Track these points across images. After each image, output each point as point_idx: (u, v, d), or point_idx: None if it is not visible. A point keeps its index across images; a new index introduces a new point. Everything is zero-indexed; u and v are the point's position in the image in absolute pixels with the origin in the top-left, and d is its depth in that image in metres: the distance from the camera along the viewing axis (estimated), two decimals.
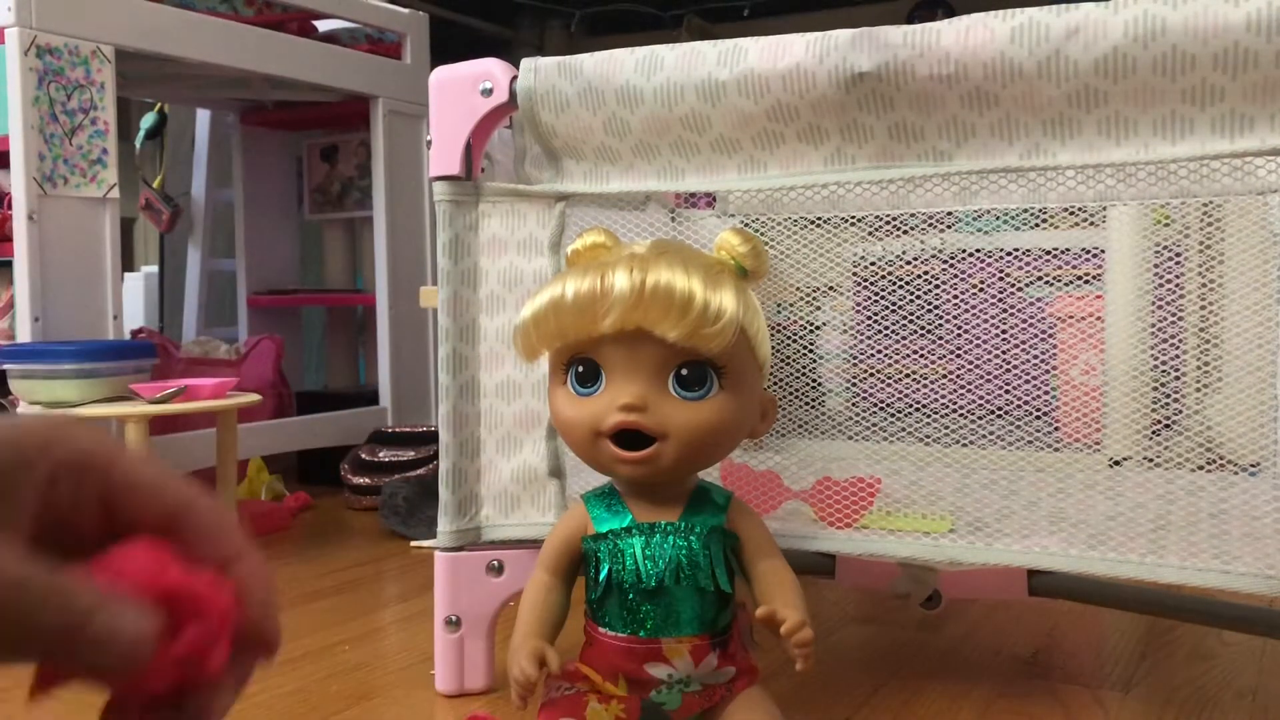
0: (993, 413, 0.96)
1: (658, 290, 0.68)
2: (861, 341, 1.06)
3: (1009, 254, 1.02)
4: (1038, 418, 0.95)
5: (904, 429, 1.01)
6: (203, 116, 2.28)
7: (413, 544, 1.62)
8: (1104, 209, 0.97)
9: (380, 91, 1.95)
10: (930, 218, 1.02)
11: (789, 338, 1.04)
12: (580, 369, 0.73)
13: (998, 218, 1.00)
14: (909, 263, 1.06)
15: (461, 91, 0.91)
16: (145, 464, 0.32)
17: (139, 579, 0.30)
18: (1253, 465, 0.89)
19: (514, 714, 0.81)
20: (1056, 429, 0.99)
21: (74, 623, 0.28)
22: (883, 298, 1.03)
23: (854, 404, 1.08)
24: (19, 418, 0.31)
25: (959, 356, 0.97)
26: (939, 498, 0.94)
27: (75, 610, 0.29)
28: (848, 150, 0.80)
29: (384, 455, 1.90)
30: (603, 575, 0.73)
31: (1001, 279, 1.04)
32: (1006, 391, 0.94)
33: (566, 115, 0.87)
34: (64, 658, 0.29)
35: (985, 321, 0.96)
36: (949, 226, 1.05)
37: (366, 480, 1.89)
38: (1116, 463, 0.98)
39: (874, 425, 1.03)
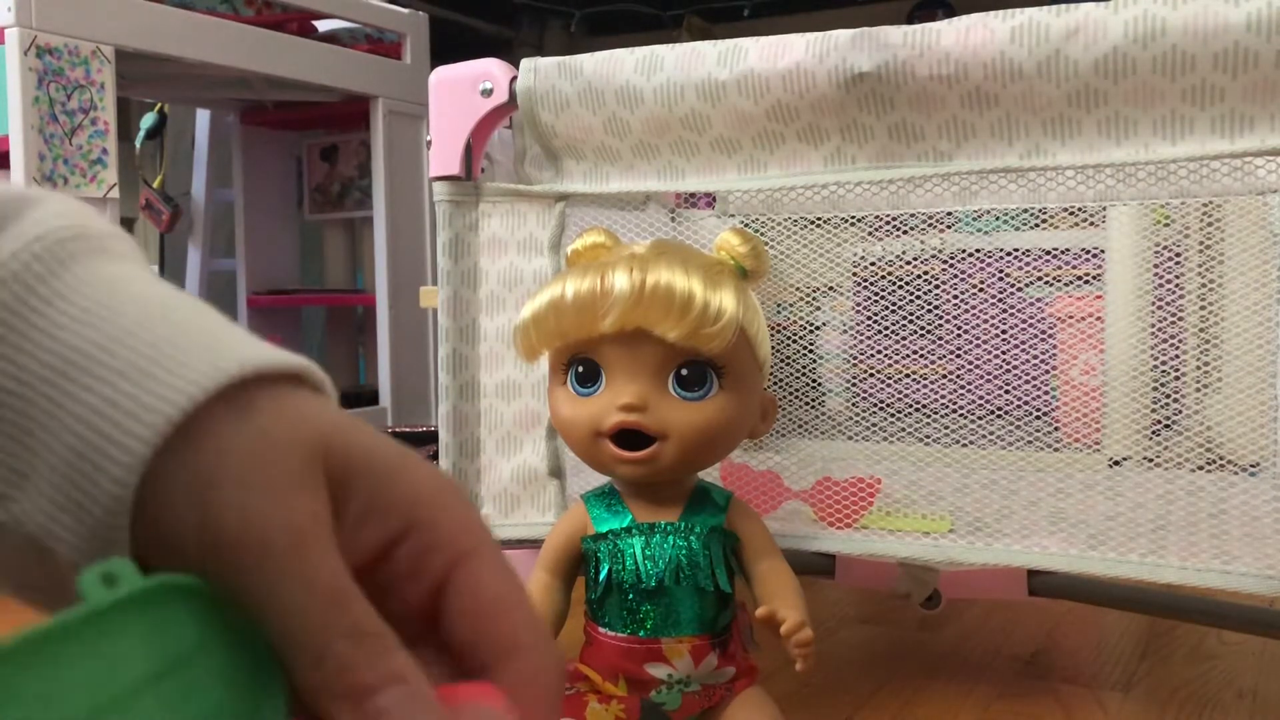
0: (993, 413, 0.96)
1: (658, 290, 0.68)
2: (861, 341, 1.06)
3: (1009, 254, 1.02)
4: (1038, 418, 0.95)
5: (904, 429, 1.01)
6: (203, 116, 2.28)
7: None
8: (1104, 209, 0.97)
9: (380, 91, 1.96)
10: (930, 218, 1.02)
11: (789, 338, 1.04)
12: (580, 369, 0.73)
13: (998, 218, 1.00)
14: (909, 263, 1.06)
15: (461, 91, 0.91)
16: (500, 574, 0.27)
17: None
18: (1253, 465, 0.89)
19: None
20: (1056, 429, 0.99)
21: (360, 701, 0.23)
22: (883, 298, 1.03)
23: (854, 404, 1.08)
24: (407, 461, 0.26)
25: (959, 356, 0.97)
26: (939, 498, 0.94)
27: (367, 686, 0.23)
28: (848, 150, 0.80)
29: None
30: (602, 575, 0.73)
31: (1001, 279, 1.04)
32: (1006, 391, 0.94)
33: (566, 115, 0.87)
34: None
35: (985, 321, 0.96)
36: (949, 226, 1.05)
37: None
38: (1116, 463, 0.98)
39: (874, 425, 1.03)
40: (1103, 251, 1.04)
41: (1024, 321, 0.96)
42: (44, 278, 0.25)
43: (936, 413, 0.99)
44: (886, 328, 1.02)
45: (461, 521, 0.27)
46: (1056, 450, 0.98)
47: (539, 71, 0.87)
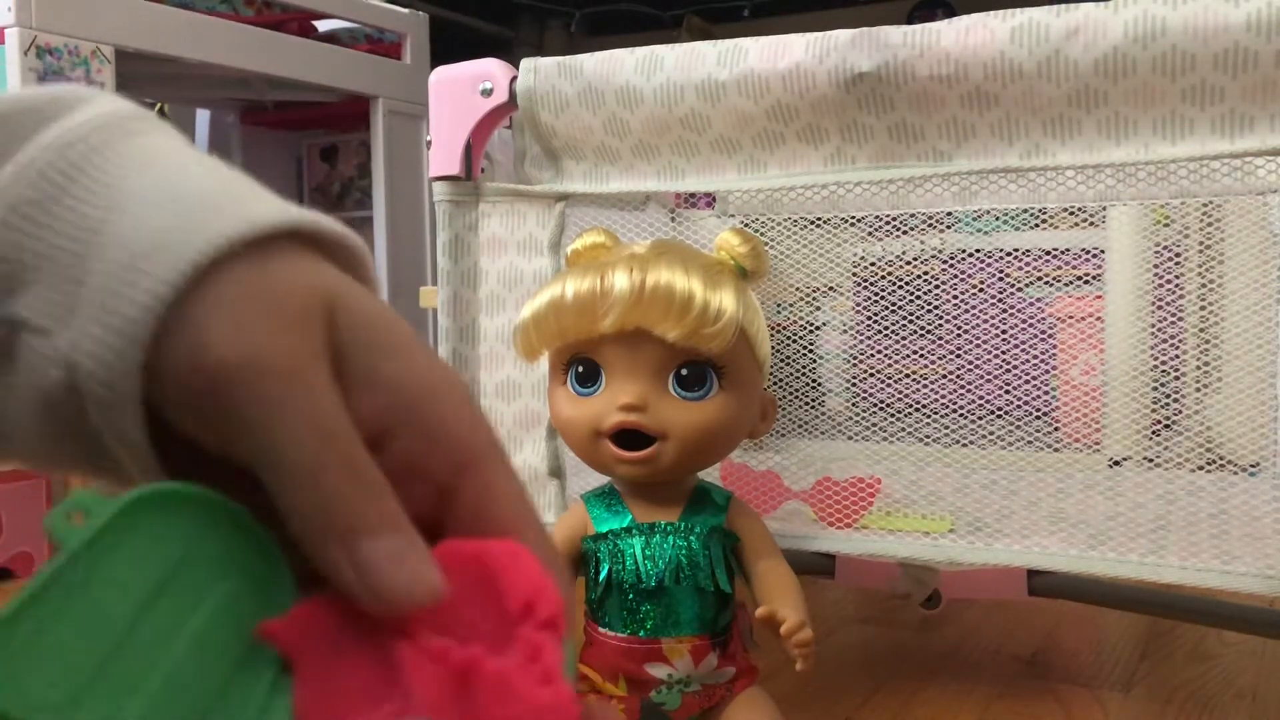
0: (993, 413, 0.96)
1: (658, 290, 0.68)
2: (861, 341, 1.06)
3: (1009, 254, 1.02)
4: (1038, 418, 0.95)
5: (904, 429, 1.01)
6: (203, 116, 2.28)
7: None
8: (1104, 209, 0.97)
9: (380, 91, 1.95)
10: (930, 218, 1.02)
11: (789, 338, 1.04)
12: (580, 369, 0.73)
13: (998, 218, 1.00)
14: (909, 263, 1.06)
15: (461, 91, 0.91)
16: (510, 483, 0.26)
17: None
18: (1253, 465, 0.89)
19: None
20: (1056, 429, 0.99)
21: (342, 525, 0.23)
22: (883, 298, 1.03)
23: (854, 404, 1.08)
24: (413, 352, 0.26)
25: (959, 356, 0.97)
26: (939, 498, 0.94)
27: (358, 513, 0.23)
28: (848, 150, 0.80)
29: None
30: (602, 575, 0.73)
31: (1001, 279, 1.04)
32: (1006, 391, 0.94)
33: (566, 115, 0.87)
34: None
35: (985, 322, 0.96)
36: (949, 226, 1.05)
37: None
38: (1116, 463, 0.98)
39: (874, 425, 1.03)
40: (1103, 251, 1.04)
41: (1024, 321, 0.96)
42: (110, 143, 0.26)
43: (936, 413, 0.99)
44: (886, 328, 1.02)
45: (468, 420, 0.25)
46: (1056, 450, 0.98)
47: (539, 71, 0.87)
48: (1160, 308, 0.96)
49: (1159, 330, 0.94)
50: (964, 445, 0.96)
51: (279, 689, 0.21)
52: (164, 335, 0.23)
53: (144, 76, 1.82)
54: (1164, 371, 0.93)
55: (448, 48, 1.83)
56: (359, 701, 0.22)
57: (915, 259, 1.05)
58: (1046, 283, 1.05)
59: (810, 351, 1.07)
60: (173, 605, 0.21)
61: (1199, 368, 0.92)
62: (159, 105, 2.18)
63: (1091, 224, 0.98)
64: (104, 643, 0.19)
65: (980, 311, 0.97)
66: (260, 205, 0.25)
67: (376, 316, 0.25)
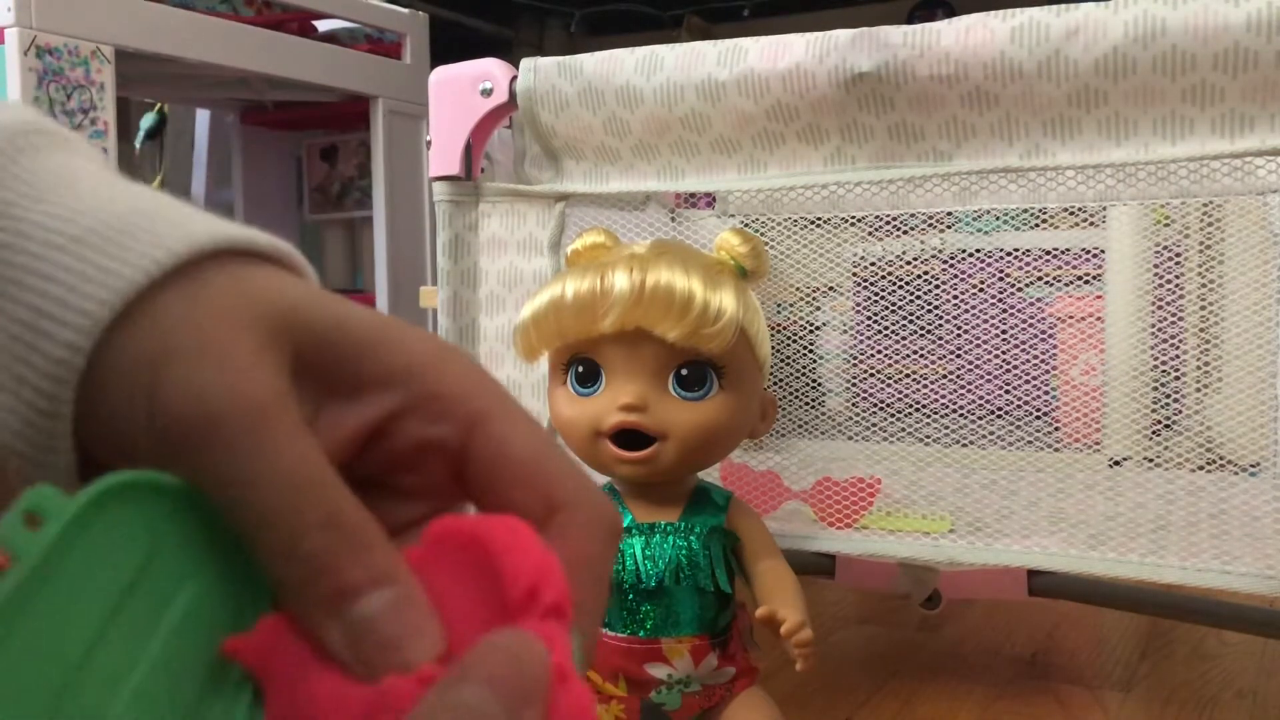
0: (993, 413, 0.96)
1: (658, 290, 0.68)
2: (861, 341, 1.06)
3: (1009, 254, 1.02)
4: (1038, 418, 0.95)
5: (904, 429, 1.01)
6: (203, 116, 2.28)
7: None
8: (1104, 209, 0.97)
9: (380, 91, 1.95)
10: (930, 218, 1.02)
11: (789, 338, 1.04)
12: (580, 369, 0.73)
13: (998, 218, 1.00)
14: (909, 263, 1.06)
15: (461, 91, 0.91)
16: (523, 428, 0.23)
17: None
18: (1253, 465, 0.89)
19: None
20: (1056, 429, 0.99)
21: (313, 577, 0.20)
22: (883, 298, 1.03)
23: (854, 404, 1.08)
24: (395, 329, 0.24)
25: (959, 356, 0.97)
26: (939, 498, 0.94)
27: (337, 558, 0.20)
28: (848, 150, 0.80)
29: None
30: None
31: (1001, 279, 1.04)
32: (1006, 391, 0.94)
33: (566, 115, 0.87)
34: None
35: (985, 321, 0.96)
36: (949, 226, 1.05)
37: None
38: (1116, 463, 0.98)
39: (874, 425, 1.03)
40: (1103, 251, 1.04)
41: (1024, 321, 0.96)
42: (2, 164, 0.23)
43: (936, 413, 0.99)
44: (886, 328, 1.02)
45: (468, 382, 0.23)
46: (1057, 450, 0.98)
47: (539, 71, 0.87)
48: (1160, 308, 0.96)
49: (1159, 330, 0.94)
50: (964, 445, 0.96)
51: (254, 714, 0.20)
52: (99, 378, 0.21)
53: (144, 76, 1.82)
54: (1164, 371, 0.93)
55: (448, 48, 1.83)
56: None
57: (915, 259, 1.05)
58: (1046, 283, 1.05)
59: (810, 351, 1.07)
60: (137, 616, 0.19)
61: (1199, 368, 0.92)
62: (159, 105, 2.18)
63: (1091, 224, 0.98)
64: (61, 671, 0.17)
65: (980, 311, 0.97)
66: (188, 224, 0.23)
67: (343, 315, 0.23)
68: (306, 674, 0.20)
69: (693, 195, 1.14)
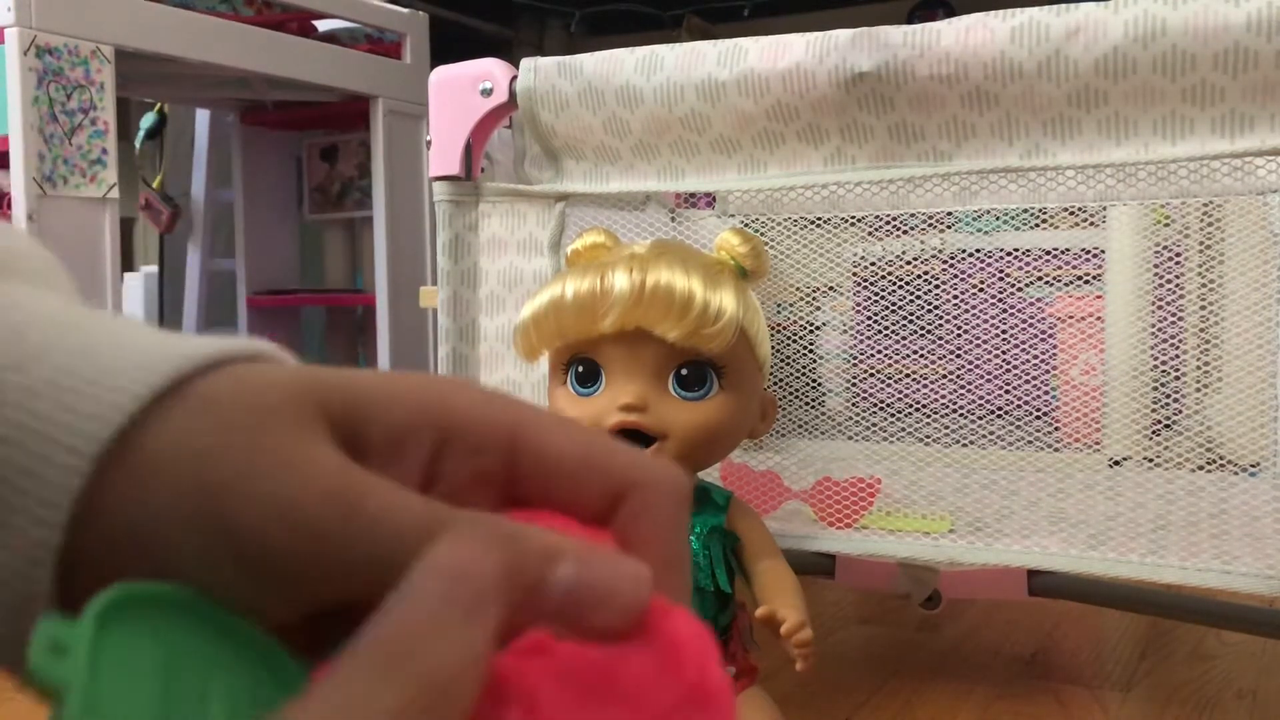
0: (993, 413, 0.96)
1: (658, 290, 0.68)
2: (861, 341, 1.06)
3: (1009, 254, 1.02)
4: (1038, 418, 0.95)
5: (904, 429, 1.01)
6: (202, 116, 2.28)
7: None
8: (1104, 209, 0.97)
9: (380, 91, 1.96)
10: (930, 218, 1.02)
11: (789, 338, 1.04)
12: (580, 369, 0.73)
13: (998, 218, 1.00)
14: (909, 263, 1.06)
15: (461, 91, 0.91)
16: (567, 429, 0.23)
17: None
18: (1253, 465, 0.89)
19: None
20: (1056, 429, 0.99)
21: (393, 552, 0.19)
22: (883, 298, 1.03)
23: (854, 404, 1.08)
24: (401, 378, 0.23)
25: (959, 356, 0.97)
26: (939, 498, 0.94)
27: (406, 537, 0.20)
28: (848, 150, 0.80)
29: None
30: None
31: (1001, 279, 1.04)
32: (1006, 391, 0.94)
33: (566, 115, 0.87)
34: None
35: (985, 321, 0.96)
36: (949, 226, 1.05)
37: None
38: (1116, 463, 0.98)
39: (874, 425, 1.03)
40: (1103, 251, 1.04)
41: (1024, 321, 0.96)
42: None
43: (936, 413, 0.99)
44: (886, 328, 1.03)
45: (488, 406, 0.23)
46: (1057, 450, 0.98)
47: (539, 71, 0.87)
48: (1160, 308, 0.96)
49: (1159, 330, 0.94)
50: (964, 445, 0.96)
51: None
52: (91, 519, 0.20)
53: (144, 76, 1.82)
54: (1164, 371, 0.93)
55: (448, 48, 1.84)
56: None
57: (915, 259, 1.05)
58: (1046, 283, 1.05)
59: (810, 351, 1.07)
60: (178, 703, 0.19)
61: (1199, 368, 0.92)
62: (159, 105, 2.18)
63: (1091, 224, 0.98)
64: None
65: (980, 311, 0.97)
66: (166, 342, 0.22)
67: (354, 379, 0.23)
68: None
69: (693, 195, 1.14)
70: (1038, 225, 0.95)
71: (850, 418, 1.05)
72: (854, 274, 1.08)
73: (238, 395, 0.21)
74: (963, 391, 0.97)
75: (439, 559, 0.19)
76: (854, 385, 1.09)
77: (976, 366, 0.95)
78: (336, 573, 0.20)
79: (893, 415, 1.02)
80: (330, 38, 1.97)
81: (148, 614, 0.19)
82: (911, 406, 1.02)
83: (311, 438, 0.21)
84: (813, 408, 1.02)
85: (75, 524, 0.20)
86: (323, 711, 0.17)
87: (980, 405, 0.96)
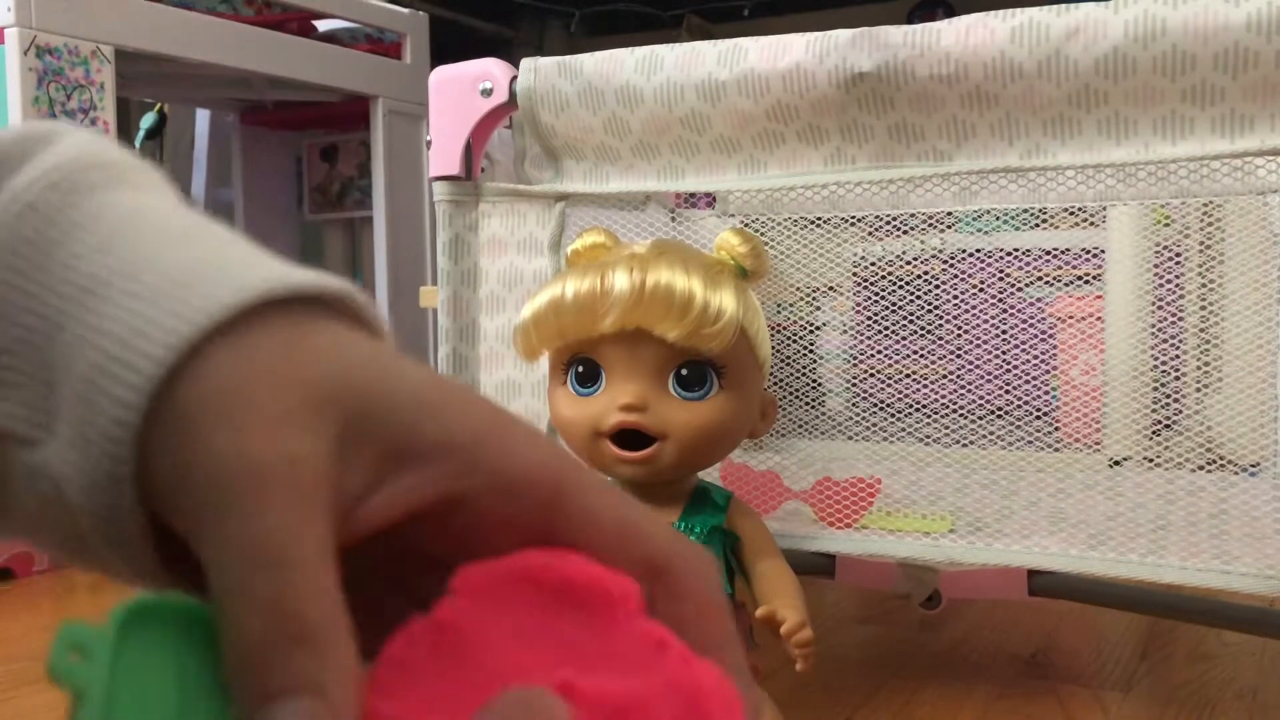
0: (993, 413, 0.96)
1: (658, 290, 0.68)
2: (861, 341, 1.06)
3: (1009, 254, 1.02)
4: (1038, 418, 0.95)
5: (904, 429, 1.01)
6: (202, 116, 2.28)
7: None
8: (1104, 209, 0.97)
9: (380, 91, 1.96)
10: (930, 218, 1.02)
11: (789, 338, 1.04)
12: (580, 369, 0.73)
13: (998, 218, 1.00)
14: (909, 263, 1.06)
15: (461, 91, 0.91)
16: (608, 496, 0.23)
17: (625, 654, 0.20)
18: (1253, 465, 0.89)
19: None
20: (1056, 429, 0.99)
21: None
22: (883, 298, 1.03)
23: (854, 404, 1.08)
24: (446, 389, 0.23)
25: (959, 356, 0.97)
26: (939, 498, 0.94)
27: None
28: (848, 150, 0.80)
29: None
30: None
31: (1001, 279, 1.04)
32: (1006, 391, 0.94)
33: (566, 115, 0.87)
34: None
35: (985, 321, 0.96)
36: (949, 226, 1.05)
37: None
38: (1116, 463, 0.98)
39: (874, 425, 1.03)
40: (1103, 251, 1.04)
41: (1024, 321, 0.96)
42: (61, 208, 0.23)
43: (936, 413, 0.99)
44: (886, 328, 1.03)
45: (535, 454, 0.23)
46: (1057, 450, 0.98)
47: (539, 71, 0.87)
48: (1160, 308, 0.96)
49: (1159, 330, 0.94)
50: (964, 445, 0.96)
51: None
52: (152, 436, 0.21)
53: (144, 76, 1.82)
54: (1164, 371, 0.93)
55: (448, 48, 1.84)
56: None
57: (915, 259, 1.05)
58: (1046, 283, 1.05)
59: (810, 351, 1.07)
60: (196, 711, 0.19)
61: (1199, 368, 0.92)
62: (159, 105, 2.18)
63: (1091, 224, 0.98)
64: None
65: (980, 311, 0.97)
66: (248, 272, 0.22)
67: (399, 380, 0.22)
68: None
69: (693, 195, 1.14)
70: (1038, 225, 0.95)
71: (850, 418, 1.05)
72: (854, 274, 1.08)
73: (257, 361, 0.21)
74: (963, 391, 0.97)
75: None
76: (854, 385, 1.09)
77: (976, 366, 0.95)
78: (199, 548, 0.20)
79: (893, 415, 1.02)
80: (330, 38, 1.97)
81: (166, 623, 0.19)
82: (911, 406, 1.02)
83: (298, 419, 0.21)
84: (813, 408, 1.02)
85: (138, 442, 0.21)
86: None
87: (980, 405, 0.96)
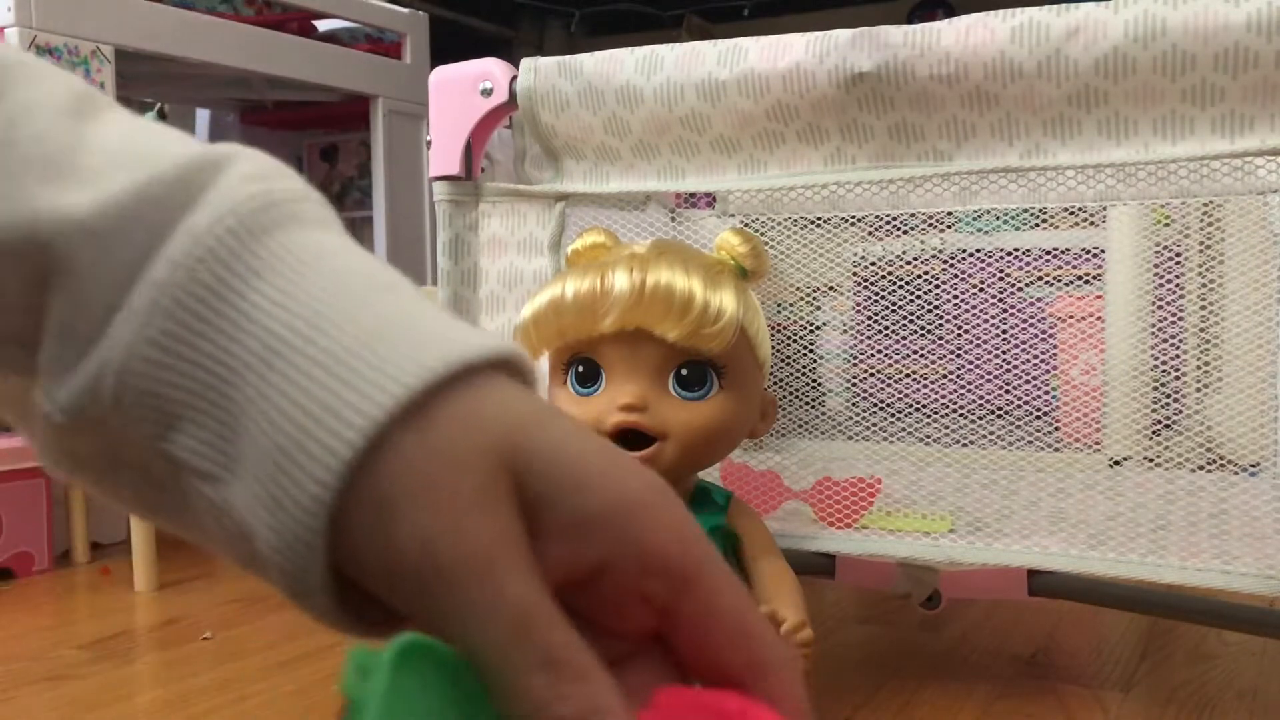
0: (993, 413, 0.96)
1: (658, 290, 0.68)
2: (861, 341, 1.06)
3: (1009, 254, 1.02)
4: (1038, 418, 0.95)
5: (904, 429, 1.01)
6: (202, 116, 2.28)
7: None
8: (1104, 209, 0.97)
9: (380, 91, 1.96)
10: (930, 218, 1.02)
11: (789, 338, 1.04)
12: (580, 369, 0.73)
13: (998, 218, 1.00)
14: (909, 263, 1.06)
15: (461, 91, 0.91)
16: (731, 594, 0.24)
17: None
18: (1253, 465, 0.89)
19: None
20: (1056, 429, 0.99)
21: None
22: (883, 298, 1.03)
23: (854, 404, 1.08)
24: (605, 455, 0.25)
25: (959, 356, 0.97)
26: (939, 498, 0.94)
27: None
28: (848, 150, 0.80)
29: None
30: None
31: (1001, 279, 1.04)
32: (1006, 391, 0.94)
33: (566, 115, 0.87)
34: None
35: (985, 321, 0.96)
36: (949, 226, 1.05)
37: None
38: (1116, 463, 0.98)
39: (874, 425, 1.03)
40: (1103, 251, 1.04)
41: (1024, 321, 0.96)
42: (240, 254, 0.24)
43: (936, 413, 0.99)
44: (886, 328, 1.03)
45: (675, 536, 0.24)
46: (1057, 450, 0.98)
47: (539, 71, 0.87)
48: (1160, 308, 0.96)
49: (1159, 330, 0.94)
50: (964, 445, 0.96)
51: None
52: (345, 511, 0.23)
53: (144, 76, 1.82)
54: (1164, 371, 0.93)
55: (448, 48, 1.83)
56: None
57: (915, 259, 1.06)
58: (1046, 283, 1.05)
59: (810, 351, 1.07)
60: None
61: (1199, 368, 0.92)
62: (159, 105, 2.18)
63: (1091, 224, 0.98)
64: None
65: (980, 311, 0.97)
66: (437, 335, 0.24)
67: (560, 446, 0.24)
68: None
69: (693, 195, 1.14)
70: (1038, 225, 0.95)
71: (850, 418, 1.05)
72: (854, 274, 1.08)
73: (440, 442, 0.23)
74: (963, 391, 0.97)
75: None
76: (854, 385, 1.09)
77: (976, 366, 0.95)
78: (436, 625, 0.23)
79: (893, 415, 1.02)
80: (330, 38, 1.97)
81: (430, 658, 0.22)
82: (911, 406, 1.02)
83: (487, 501, 0.23)
84: (813, 408, 1.02)
85: (331, 516, 0.23)
86: None
87: (980, 405, 0.96)
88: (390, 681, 0.21)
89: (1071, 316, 1.04)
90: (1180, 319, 0.94)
